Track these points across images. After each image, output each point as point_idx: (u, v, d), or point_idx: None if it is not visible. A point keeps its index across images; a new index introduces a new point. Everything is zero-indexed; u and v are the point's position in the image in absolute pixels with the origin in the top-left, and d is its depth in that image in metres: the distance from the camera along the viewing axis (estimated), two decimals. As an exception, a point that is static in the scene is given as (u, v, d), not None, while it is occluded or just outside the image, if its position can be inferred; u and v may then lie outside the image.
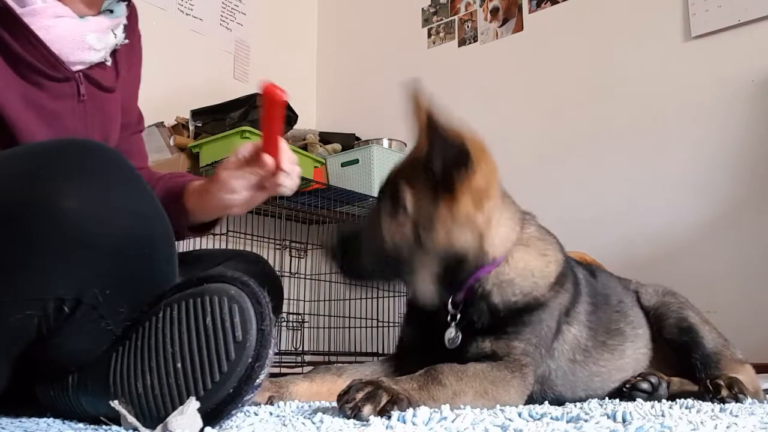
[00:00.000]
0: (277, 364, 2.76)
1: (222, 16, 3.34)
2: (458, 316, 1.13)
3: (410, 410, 0.79)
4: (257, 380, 0.70)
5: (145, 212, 0.80)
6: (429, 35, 3.38)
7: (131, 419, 0.72)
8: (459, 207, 1.07)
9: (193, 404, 0.68)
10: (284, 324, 3.11)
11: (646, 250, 2.42)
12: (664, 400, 1.23)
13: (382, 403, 0.80)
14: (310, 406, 0.97)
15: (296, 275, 3.14)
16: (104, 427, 0.76)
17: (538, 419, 0.84)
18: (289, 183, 1.12)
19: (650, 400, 1.21)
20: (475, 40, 3.17)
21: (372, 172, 2.84)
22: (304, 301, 3.23)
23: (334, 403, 0.84)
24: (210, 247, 2.52)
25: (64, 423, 0.81)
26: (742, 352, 1.43)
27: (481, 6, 3.20)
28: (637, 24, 2.63)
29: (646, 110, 2.55)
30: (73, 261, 0.73)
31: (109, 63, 1.18)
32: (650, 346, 1.41)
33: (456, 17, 3.28)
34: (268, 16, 3.57)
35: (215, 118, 2.72)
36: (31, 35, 1.02)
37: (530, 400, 1.12)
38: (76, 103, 1.12)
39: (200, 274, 0.78)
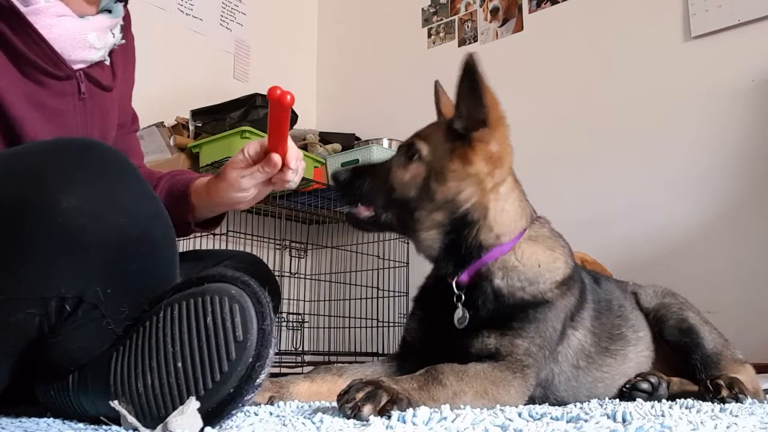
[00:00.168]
0: (277, 364, 2.76)
1: (222, 16, 3.34)
2: (463, 297, 1.14)
3: (410, 410, 0.79)
4: (258, 380, 0.70)
5: (147, 211, 0.80)
6: (429, 35, 3.38)
7: (131, 419, 0.71)
8: (471, 163, 1.14)
9: (193, 404, 0.68)
10: (284, 324, 3.11)
11: (647, 250, 2.42)
12: (664, 400, 1.23)
13: (382, 403, 0.80)
14: (310, 406, 0.97)
15: (296, 275, 3.15)
16: (104, 427, 0.76)
17: (538, 419, 0.84)
18: (295, 178, 1.17)
19: (650, 400, 1.21)
20: (475, 40, 3.17)
21: (372, 172, 2.84)
22: (304, 301, 3.24)
23: (335, 403, 0.84)
24: (210, 247, 2.53)
25: (64, 423, 0.80)
26: (743, 353, 1.43)
27: (481, 6, 3.20)
28: (637, 24, 2.63)
29: (646, 110, 2.55)
30: (74, 259, 0.73)
31: (107, 62, 1.20)
32: (652, 348, 1.41)
33: (456, 17, 3.28)
34: (268, 16, 3.57)
35: (215, 118, 2.73)
36: (35, 34, 1.03)
37: (532, 404, 1.11)
38: (77, 101, 1.12)
39: (201, 273, 0.78)
